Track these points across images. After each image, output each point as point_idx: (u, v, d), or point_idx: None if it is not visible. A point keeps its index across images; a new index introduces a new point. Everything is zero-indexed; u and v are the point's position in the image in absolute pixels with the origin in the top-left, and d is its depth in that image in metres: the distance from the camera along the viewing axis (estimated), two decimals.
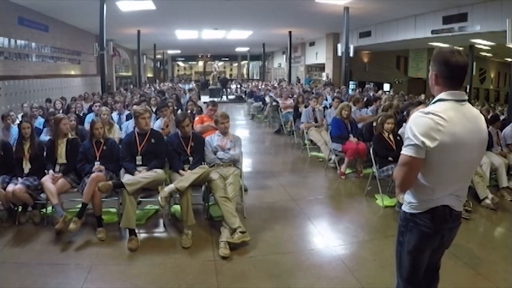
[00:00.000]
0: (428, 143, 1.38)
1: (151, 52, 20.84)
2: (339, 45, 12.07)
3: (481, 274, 2.63)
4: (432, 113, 1.40)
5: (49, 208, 3.45)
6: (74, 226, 3.05)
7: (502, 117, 6.57)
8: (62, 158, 3.53)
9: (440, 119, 1.39)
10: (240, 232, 2.97)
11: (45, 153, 3.58)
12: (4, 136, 4.42)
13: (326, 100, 8.92)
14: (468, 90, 14.46)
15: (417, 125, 1.41)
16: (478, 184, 3.93)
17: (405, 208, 1.60)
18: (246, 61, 30.36)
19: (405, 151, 1.44)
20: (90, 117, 5.26)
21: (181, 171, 3.44)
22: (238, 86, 20.25)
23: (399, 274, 1.67)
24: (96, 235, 3.13)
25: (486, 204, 3.88)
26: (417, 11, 10.51)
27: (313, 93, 9.66)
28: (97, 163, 3.43)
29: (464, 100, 1.47)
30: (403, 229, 1.61)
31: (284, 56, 20.87)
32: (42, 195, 3.45)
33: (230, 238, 2.95)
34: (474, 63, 14.83)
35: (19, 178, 3.39)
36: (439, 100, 1.47)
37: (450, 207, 1.52)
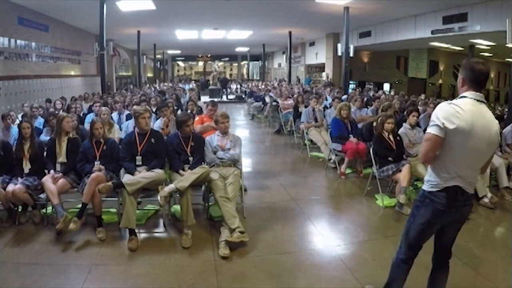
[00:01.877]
0: (447, 124, 1.72)
1: (151, 52, 20.85)
2: (339, 45, 12.07)
3: (481, 274, 2.63)
4: (454, 104, 1.76)
5: (49, 208, 3.45)
6: (74, 226, 3.05)
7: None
8: (62, 157, 3.53)
9: (459, 109, 1.73)
10: (239, 232, 2.96)
11: (45, 153, 3.58)
12: (4, 136, 4.41)
13: (326, 100, 8.91)
14: None
15: (441, 111, 1.77)
16: (478, 182, 3.93)
17: (424, 187, 1.92)
18: (246, 61, 30.35)
19: (429, 130, 1.79)
20: (90, 117, 5.26)
21: (181, 171, 3.44)
22: (238, 86, 20.26)
23: (403, 239, 2.01)
24: (96, 235, 3.13)
25: (484, 202, 3.90)
26: (417, 11, 10.51)
27: (313, 93, 9.66)
28: (97, 163, 3.42)
29: (482, 101, 1.79)
30: (419, 204, 1.92)
31: (284, 56, 20.88)
32: (42, 195, 3.45)
33: (229, 237, 2.95)
34: None
35: (19, 178, 3.39)
36: (462, 96, 1.81)
37: (462, 188, 1.83)
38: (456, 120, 1.71)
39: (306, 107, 6.70)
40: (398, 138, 4.16)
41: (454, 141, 1.74)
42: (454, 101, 1.79)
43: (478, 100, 1.77)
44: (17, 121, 4.94)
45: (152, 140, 3.49)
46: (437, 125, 1.75)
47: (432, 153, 1.80)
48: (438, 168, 1.84)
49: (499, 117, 5.00)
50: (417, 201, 1.95)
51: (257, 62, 28.94)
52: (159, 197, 3.08)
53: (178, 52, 25.85)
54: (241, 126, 9.77)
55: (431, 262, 2.06)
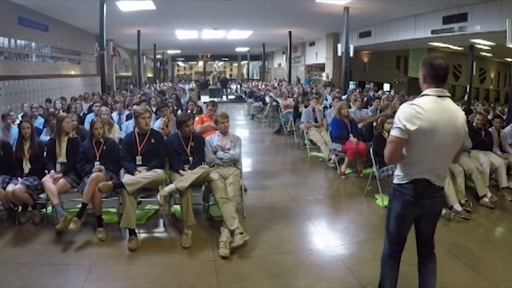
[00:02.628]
0: (409, 126, 1.75)
1: (151, 52, 20.85)
2: (339, 45, 12.07)
3: (481, 274, 2.63)
4: (415, 104, 1.78)
5: (49, 208, 3.45)
6: (74, 226, 3.05)
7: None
8: (62, 157, 3.53)
9: (420, 109, 1.75)
10: (239, 233, 2.96)
11: (45, 153, 3.58)
12: (4, 136, 4.42)
13: (326, 100, 8.91)
14: (468, 90, 14.49)
15: (402, 113, 1.79)
16: (478, 181, 3.94)
17: (394, 180, 1.96)
18: (246, 61, 30.35)
19: (392, 132, 1.82)
20: (90, 117, 5.26)
21: (181, 171, 3.44)
22: (238, 86, 20.25)
23: (386, 236, 2.05)
24: (96, 235, 3.13)
25: (484, 202, 3.90)
26: (417, 11, 10.51)
27: (312, 93, 9.66)
28: (97, 163, 3.42)
29: (445, 96, 1.81)
30: (391, 198, 1.99)
31: (284, 56, 20.87)
32: (42, 195, 3.45)
33: (232, 241, 2.92)
34: (474, 63, 14.81)
35: (19, 178, 3.39)
36: (423, 94, 1.83)
37: (429, 181, 1.86)
38: (417, 121, 1.73)
39: (306, 107, 6.71)
40: None
41: (419, 140, 1.77)
42: (415, 100, 1.81)
43: (440, 96, 1.79)
44: (17, 121, 4.94)
45: (152, 140, 3.50)
46: (398, 127, 1.77)
47: (397, 154, 1.84)
48: (406, 165, 1.88)
49: (496, 116, 4.97)
50: (390, 195, 2.02)
51: (257, 62, 28.94)
52: (159, 197, 3.08)
53: (178, 52, 25.84)
54: (241, 126, 9.77)
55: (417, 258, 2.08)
